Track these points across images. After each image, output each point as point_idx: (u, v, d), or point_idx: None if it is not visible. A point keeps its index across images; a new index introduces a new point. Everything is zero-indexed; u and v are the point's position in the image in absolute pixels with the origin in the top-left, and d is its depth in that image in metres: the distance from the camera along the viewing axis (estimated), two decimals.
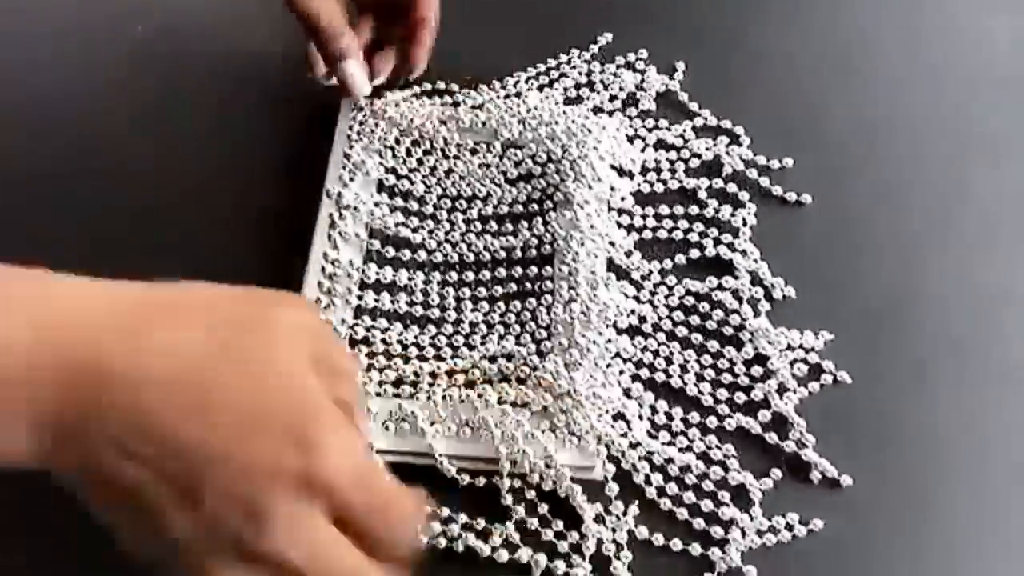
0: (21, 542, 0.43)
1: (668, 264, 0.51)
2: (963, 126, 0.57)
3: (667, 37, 0.61)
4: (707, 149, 0.56)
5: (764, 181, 0.54)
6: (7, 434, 0.30)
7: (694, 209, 0.53)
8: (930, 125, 0.57)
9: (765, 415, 0.46)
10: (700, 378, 0.48)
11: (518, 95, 0.57)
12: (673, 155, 0.56)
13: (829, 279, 0.51)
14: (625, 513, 0.44)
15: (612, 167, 0.54)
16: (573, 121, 0.55)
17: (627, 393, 0.47)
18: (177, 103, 0.59)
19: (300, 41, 0.56)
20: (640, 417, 0.46)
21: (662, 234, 0.52)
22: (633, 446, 0.45)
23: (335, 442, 0.31)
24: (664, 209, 0.53)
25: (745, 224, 0.52)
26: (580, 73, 0.59)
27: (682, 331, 0.49)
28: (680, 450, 0.45)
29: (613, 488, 0.44)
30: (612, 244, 0.51)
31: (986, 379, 0.48)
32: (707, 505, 0.44)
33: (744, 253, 0.51)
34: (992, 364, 0.48)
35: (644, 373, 0.48)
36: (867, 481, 0.45)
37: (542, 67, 0.60)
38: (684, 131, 0.57)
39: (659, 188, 0.54)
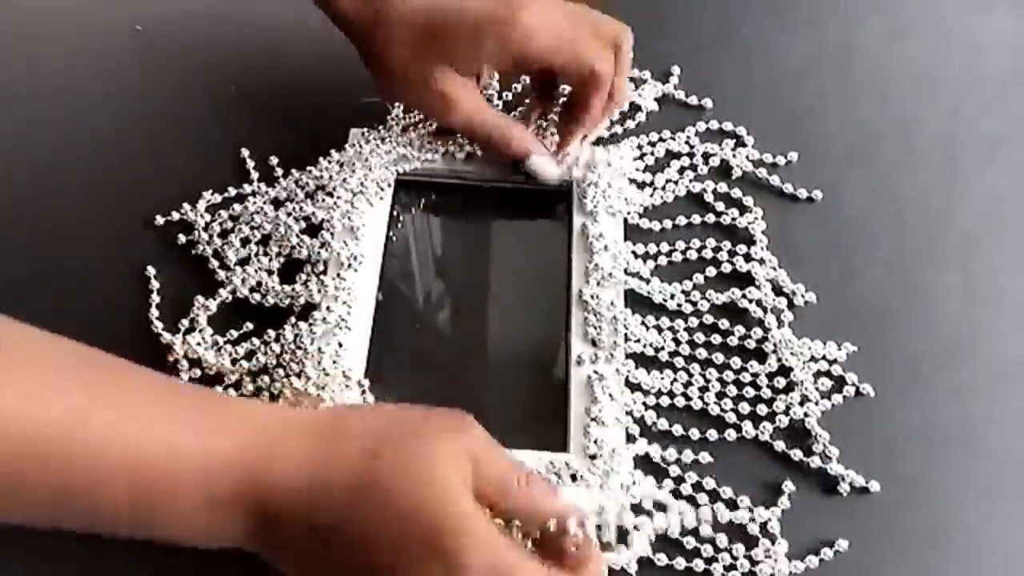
0: None
1: (688, 285, 0.50)
2: (958, 127, 0.58)
3: (658, 41, 0.60)
4: (713, 155, 0.55)
5: (774, 180, 0.54)
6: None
7: (710, 217, 0.53)
8: (926, 126, 0.58)
9: (786, 428, 0.46)
10: (722, 395, 0.47)
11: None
12: (678, 164, 0.55)
13: (835, 278, 0.51)
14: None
15: (626, 184, 0.53)
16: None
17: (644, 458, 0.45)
18: (178, 103, 0.58)
19: (303, 39, 0.55)
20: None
21: (677, 257, 0.52)
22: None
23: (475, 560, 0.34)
24: (680, 220, 0.53)
25: (761, 233, 0.52)
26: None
27: (703, 353, 0.48)
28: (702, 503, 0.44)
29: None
30: (631, 274, 0.50)
31: (1004, 381, 0.48)
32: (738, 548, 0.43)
33: (762, 262, 0.51)
34: (1010, 366, 0.48)
35: (664, 400, 0.47)
36: (891, 491, 0.44)
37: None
38: (688, 137, 0.56)
39: (669, 197, 0.54)
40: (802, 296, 0.50)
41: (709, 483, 0.44)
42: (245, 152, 0.55)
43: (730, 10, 0.64)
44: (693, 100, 0.58)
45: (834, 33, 0.63)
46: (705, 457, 0.45)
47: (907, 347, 0.49)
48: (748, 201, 0.53)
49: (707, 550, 0.42)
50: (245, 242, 0.51)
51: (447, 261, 0.54)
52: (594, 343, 0.47)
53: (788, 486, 0.44)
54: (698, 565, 0.42)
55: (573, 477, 0.43)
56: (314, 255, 0.50)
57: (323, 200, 0.52)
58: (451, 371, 0.49)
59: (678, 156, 0.56)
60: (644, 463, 0.45)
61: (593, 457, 0.44)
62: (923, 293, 0.51)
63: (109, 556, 0.42)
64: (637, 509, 0.43)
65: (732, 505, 0.44)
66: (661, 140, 0.56)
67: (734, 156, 0.55)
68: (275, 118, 0.57)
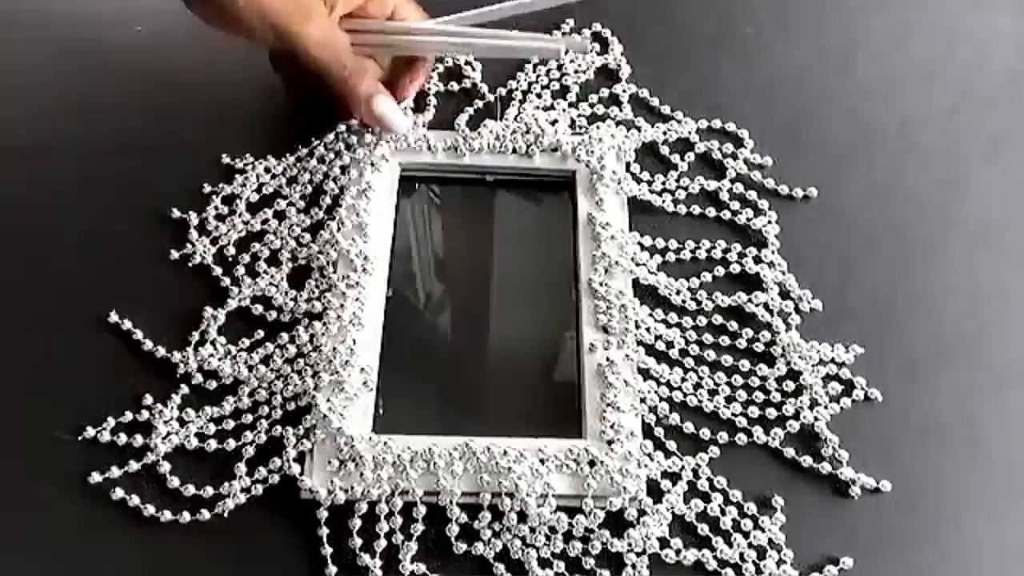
0: None
1: (696, 283, 0.50)
2: (960, 125, 0.58)
3: (660, 40, 0.61)
4: (712, 155, 0.55)
5: (775, 179, 0.54)
6: None
7: (710, 216, 0.53)
8: (927, 125, 0.58)
9: (795, 432, 0.46)
10: (731, 400, 0.47)
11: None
12: (681, 163, 0.55)
13: (837, 279, 0.51)
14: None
15: (627, 179, 0.53)
16: (582, 141, 0.54)
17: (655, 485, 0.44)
18: (177, 103, 0.58)
19: None
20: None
21: (671, 256, 0.51)
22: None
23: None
24: (682, 223, 0.53)
25: (770, 235, 0.52)
26: (554, 80, 0.58)
27: (711, 354, 0.48)
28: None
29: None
30: (638, 264, 0.50)
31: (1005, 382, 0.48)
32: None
33: (771, 265, 0.51)
34: (1014, 365, 0.48)
35: (676, 396, 0.46)
36: (896, 492, 0.44)
37: (535, 78, 0.59)
38: (686, 135, 0.56)
39: (668, 198, 0.53)
40: (808, 303, 0.50)
41: (720, 484, 0.44)
42: (227, 158, 0.54)
43: (731, 9, 0.64)
44: (684, 111, 0.57)
45: (835, 32, 0.63)
46: (703, 459, 0.45)
47: (909, 348, 0.49)
48: (762, 205, 0.53)
49: (712, 556, 0.42)
50: (243, 246, 0.51)
51: (454, 253, 0.54)
52: (605, 330, 0.47)
53: (794, 491, 0.44)
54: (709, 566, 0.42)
55: (592, 463, 0.43)
56: (322, 256, 0.50)
57: (326, 200, 0.52)
58: (463, 362, 0.49)
59: (682, 154, 0.55)
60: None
61: (610, 443, 0.44)
62: (925, 293, 0.51)
63: (109, 556, 0.42)
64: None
65: (739, 511, 0.43)
66: (665, 142, 0.56)
67: (734, 157, 0.55)
68: (278, 118, 0.57)
